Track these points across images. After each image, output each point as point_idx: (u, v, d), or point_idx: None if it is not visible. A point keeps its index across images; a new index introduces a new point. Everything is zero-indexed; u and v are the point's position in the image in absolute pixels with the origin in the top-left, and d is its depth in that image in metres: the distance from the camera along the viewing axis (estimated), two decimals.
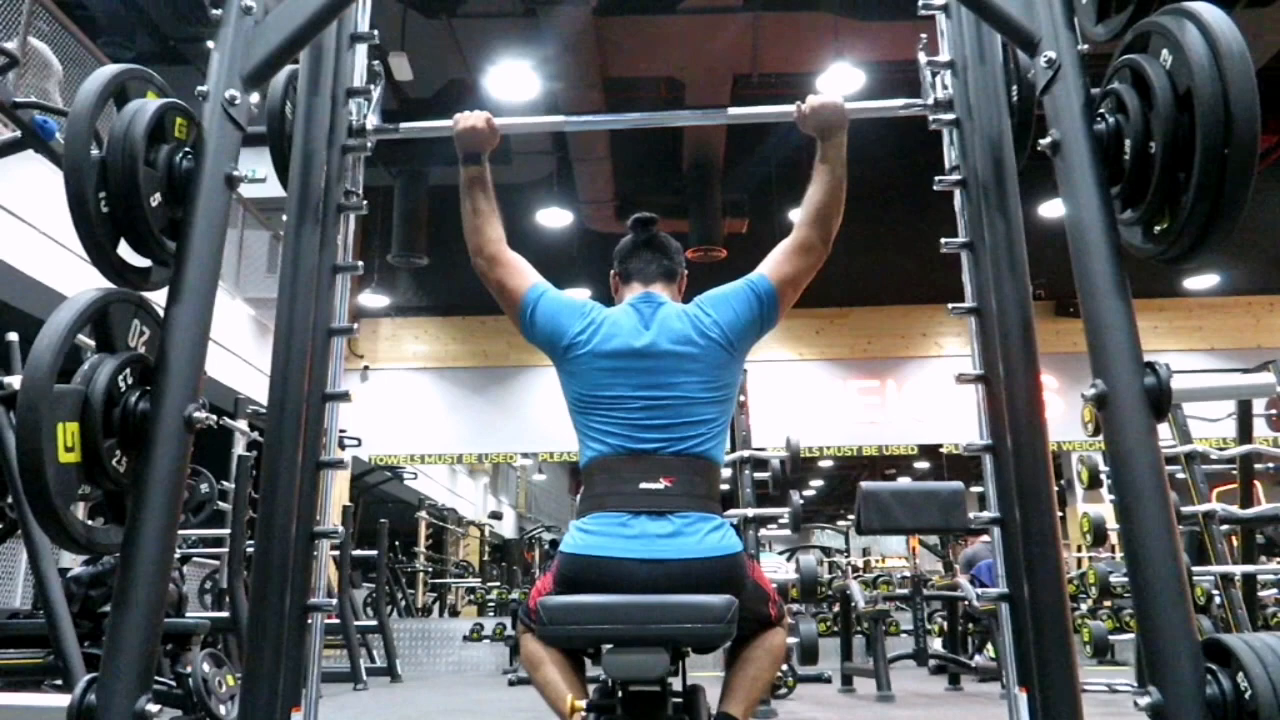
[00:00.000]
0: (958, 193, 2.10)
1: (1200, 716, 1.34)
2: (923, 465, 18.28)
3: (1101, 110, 1.64)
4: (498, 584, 12.66)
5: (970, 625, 7.26)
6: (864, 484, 2.78)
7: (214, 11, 1.90)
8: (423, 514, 13.23)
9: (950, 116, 2.10)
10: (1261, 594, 5.78)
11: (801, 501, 5.71)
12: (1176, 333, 11.14)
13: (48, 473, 1.48)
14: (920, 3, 2.20)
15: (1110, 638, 5.95)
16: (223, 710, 3.43)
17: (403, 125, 2.26)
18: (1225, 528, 4.94)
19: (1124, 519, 1.48)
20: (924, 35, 2.20)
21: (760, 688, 1.93)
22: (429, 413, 11.34)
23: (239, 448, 6.41)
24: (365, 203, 2.18)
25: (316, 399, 1.98)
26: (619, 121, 2.25)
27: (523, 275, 2.09)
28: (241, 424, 6.51)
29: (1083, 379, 1.55)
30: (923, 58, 2.17)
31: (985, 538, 7.29)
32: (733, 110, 2.34)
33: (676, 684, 1.84)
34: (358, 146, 2.18)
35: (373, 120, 2.20)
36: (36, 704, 2.76)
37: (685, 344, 1.96)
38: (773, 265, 2.04)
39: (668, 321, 1.99)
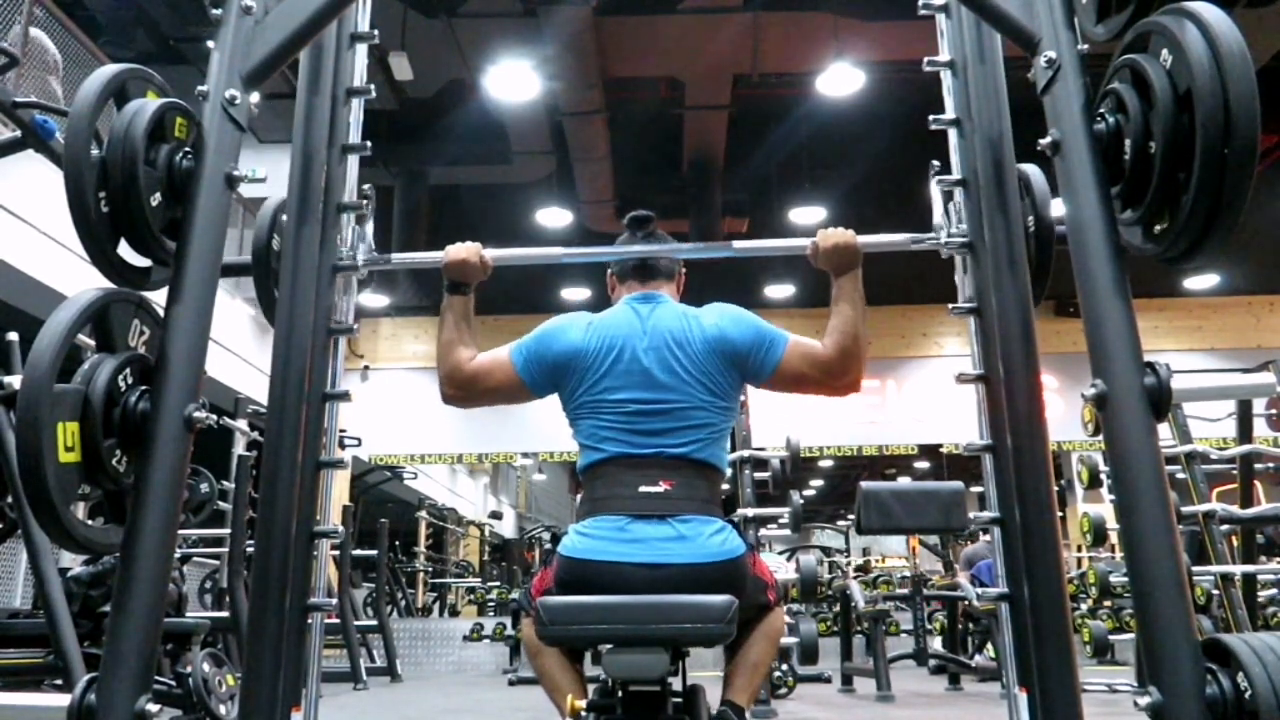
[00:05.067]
0: (958, 192, 2.09)
1: (1200, 716, 1.34)
2: (923, 465, 18.30)
3: (1101, 110, 1.64)
4: (498, 584, 12.64)
5: (970, 625, 7.26)
6: (864, 484, 2.77)
7: (214, 11, 1.90)
8: (423, 514, 13.23)
9: (963, 240, 2.06)
10: (1261, 594, 5.78)
11: (801, 501, 5.71)
12: (1176, 333, 11.15)
13: (48, 473, 1.48)
14: (920, 3, 2.19)
15: (1110, 638, 5.95)
16: (223, 710, 3.43)
17: (394, 257, 2.16)
18: (1225, 528, 4.93)
19: (1124, 519, 1.48)
20: (937, 163, 2.10)
21: (762, 673, 1.96)
22: (429, 413, 11.32)
23: (239, 448, 6.40)
24: (366, 203, 2.17)
25: (316, 399, 1.98)
26: (619, 253, 2.14)
27: (497, 358, 2.02)
28: (241, 424, 6.51)
29: (1083, 379, 1.55)
30: (934, 183, 2.08)
31: (985, 537, 7.29)
32: (738, 244, 2.24)
33: (676, 684, 1.84)
34: (349, 271, 2.09)
35: (364, 251, 2.11)
36: (36, 704, 2.75)
37: (682, 345, 1.94)
38: (797, 346, 1.99)
39: (666, 322, 1.98)
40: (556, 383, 2.01)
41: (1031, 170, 2.01)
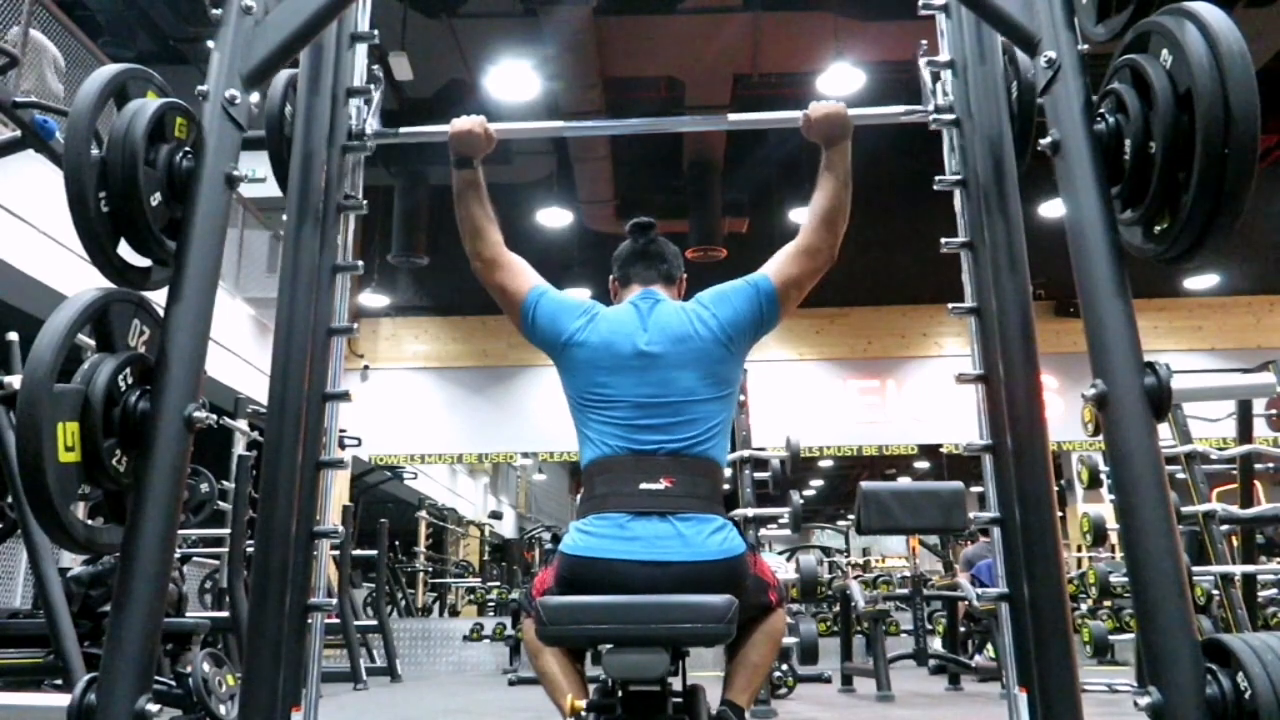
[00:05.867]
0: (958, 192, 2.10)
1: (1200, 716, 1.34)
2: (923, 465, 18.29)
3: (1101, 110, 1.64)
4: (498, 584, 12.64)
5: (970, 625, 7.26)
6: (864, 484, 2.77)
7: (214, 11, 1.90)
8: (423, 514, 13.23)
9: (950, 116, 2.10)
10: (1261, 594, 5.78)
11: (801, 501, 5.71)
12: (1176, 333, 11.15)
13: (48, 473, 1.48)
14: (920, 3, 2.20)
15: (1110, 638, 5.95)
16: (223, 710, 3.43)
17: (401, 129, 2.25)
18: (1225, 528, 4.93)
19: (1124, 519, 1.48)
20: (924, 41, 2.19)
21: (762, 674, 1.96)
22: (429, 413, 11.34)
23: (239, 448, 6.41)
24: (365, 202, 2.18)
25: (316, 399, 1.98)
26: (617, 127, 2.25)
27: (523, 277, 2.09)
28: (241, 424, 6.51)
29: (1083, 379, 1.55)
30: (923, 63, 2.16)
31: (985, 538, 7.29)
32: (734, 116, 2.33)
33: (676, 684, 1.84)
34: (358, 148, 2.18)
35: (373, 124, 2.20)
36: (36, 704, 2.76)
37: (683, 341, 1.95)
38: (776, 266, 2.04)
39: (666, 318, 1.99)
40: (546, 349, 2.06)
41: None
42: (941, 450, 11.97)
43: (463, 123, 2.09)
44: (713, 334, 1.97)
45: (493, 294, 2.10)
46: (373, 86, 2.21)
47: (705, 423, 1.93)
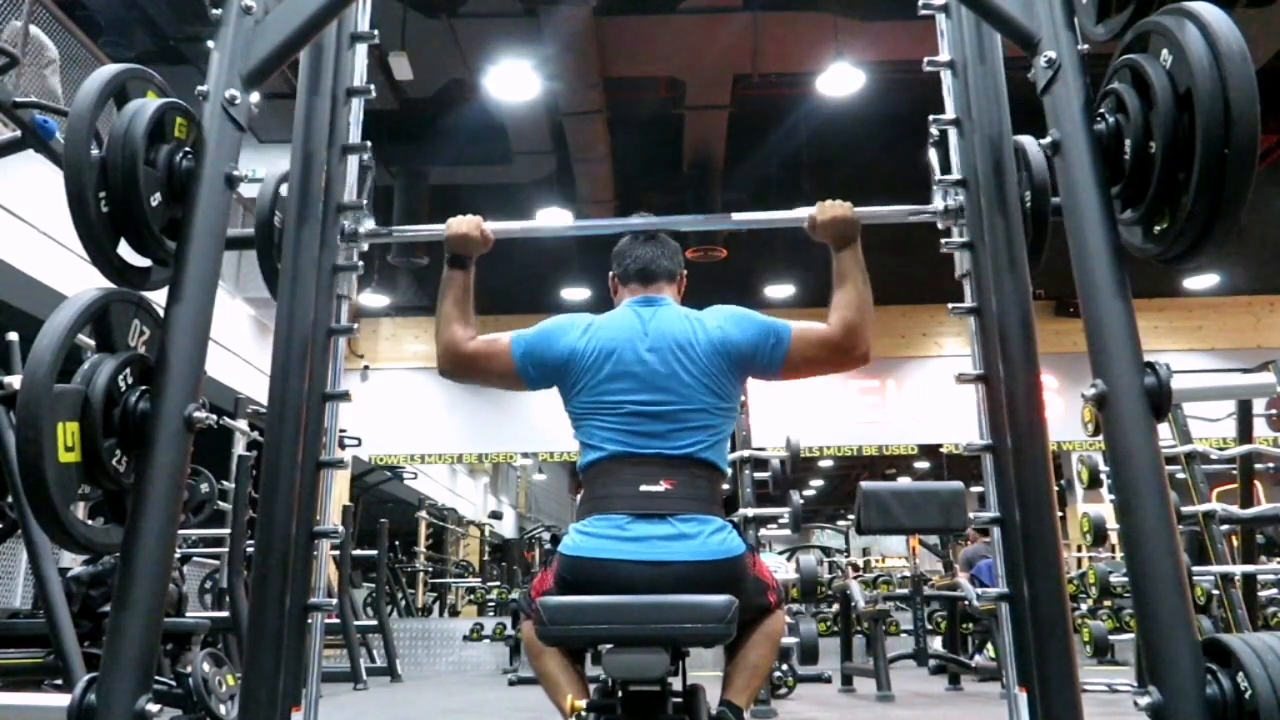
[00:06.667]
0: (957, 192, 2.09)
1: (1200, 716, 1.34)
2: (923, 465, 18.30)
3: (1101, 110, 1.64)
4: (498, 584, 12.65)
5: (970, 625, 7.26)
6: (864, 484, 2.77)
7: (214, 11, 1.90)
8: (423, 514, 13.23)
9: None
10: (1261, 594, 5.78)
11: (801, 501, 5.71)
12: (1176, 333, 11.14)
13: (48, 473, 1.48)
14: (920, 2, 2.19)
15: (1110, 638, 5.95)
16: (223, 710, 3.43)
17: (394, 229, 2.23)
18: (1225, 528, 4.93)
19: (1124, 519, 1.48)
20: (933, 149, 2.12)
21: (761, 675, 1.96)
22: (429, 413, 11.33)
23: (239, 448, 6.40)
24: (365, 203, 2.17)
25: (316, 399, 1.98)
26: (620, 226, 2.21)
27: (497, 344, 2.04)
28: (241, 424, 6.51)
29: (1083, 379, 1.55)
30: (934, 165, 2.10)
31: (985, 538, 7.28)
32: (737, 216, 2.30)
33: (676, 684, 1.84)
34: (352, 249, 2.11)
35: (366, 225, 2.14)
36: (36, 704, 2.75)
37: (685, 348, 1.95)
38: (802, 333, 1.99)
39: (668, 324, 1.99)
40: (553, 382, 2.03)
41: (1026, 140, 1.99)
42: (941, 450, 11.97)
43: (459, 224, 2.06)
44: (713, 345, 1.95)
45: (476, 383, 2.10)
46: (367, 171, 2.16)
47: (705, 430, 1.93)
